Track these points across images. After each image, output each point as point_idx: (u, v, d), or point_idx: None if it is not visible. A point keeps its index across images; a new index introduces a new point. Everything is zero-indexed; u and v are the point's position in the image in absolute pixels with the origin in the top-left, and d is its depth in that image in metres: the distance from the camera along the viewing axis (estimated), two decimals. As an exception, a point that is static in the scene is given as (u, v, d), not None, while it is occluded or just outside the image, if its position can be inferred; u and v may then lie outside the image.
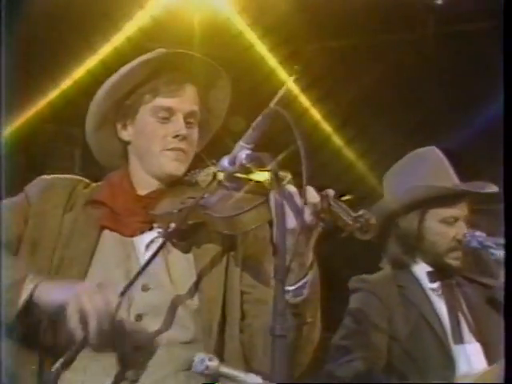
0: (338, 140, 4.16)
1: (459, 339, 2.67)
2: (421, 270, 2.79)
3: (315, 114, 4.01)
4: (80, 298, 1.85)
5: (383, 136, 4.18)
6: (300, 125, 1.83)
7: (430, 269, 2.77)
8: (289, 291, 1.85)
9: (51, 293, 1.91)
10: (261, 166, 1.87)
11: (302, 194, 1.78)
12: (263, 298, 2.01)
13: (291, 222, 1.81)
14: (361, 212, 1.78)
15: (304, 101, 3.92)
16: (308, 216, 1.81)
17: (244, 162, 1.90)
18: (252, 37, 3.91)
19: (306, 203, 1.78)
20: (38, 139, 3.50)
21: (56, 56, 3.48)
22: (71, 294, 1.87)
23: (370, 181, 3.87)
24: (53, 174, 2.24)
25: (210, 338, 2.00)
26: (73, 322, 1.85)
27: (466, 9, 4.12)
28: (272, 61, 3.87)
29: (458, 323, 2.70)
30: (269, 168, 1.82)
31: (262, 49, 3.97)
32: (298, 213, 1.80)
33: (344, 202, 1.83)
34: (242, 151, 1.91)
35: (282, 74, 3.90)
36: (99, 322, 1.83)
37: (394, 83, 4.23)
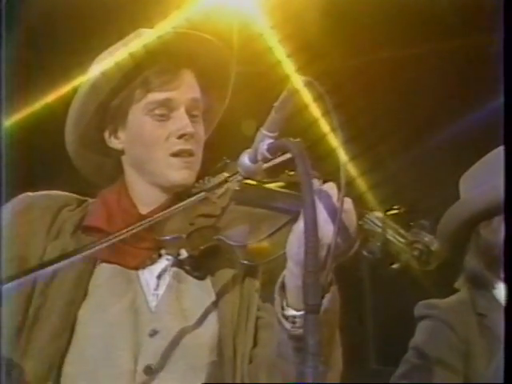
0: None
1: None
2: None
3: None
4: None
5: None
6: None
7: None
8: (294, 318, 1.45)
9: None
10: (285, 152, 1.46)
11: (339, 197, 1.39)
12: (272, 322, 1.59)
13: (325, 230, 1.39)
14: (418, 234, 1.34)
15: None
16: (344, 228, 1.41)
17: (267, 154, 1.49)
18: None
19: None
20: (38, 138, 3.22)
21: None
22: None
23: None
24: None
25: (234, 378, 1.65)
26: None
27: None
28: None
29: None
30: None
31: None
32: (334, 220, 1.39)
33: (393, 217, 1.39)
34: (264, 141, 1.50)
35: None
36: None
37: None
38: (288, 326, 1.46)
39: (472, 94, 3.59)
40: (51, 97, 3.09)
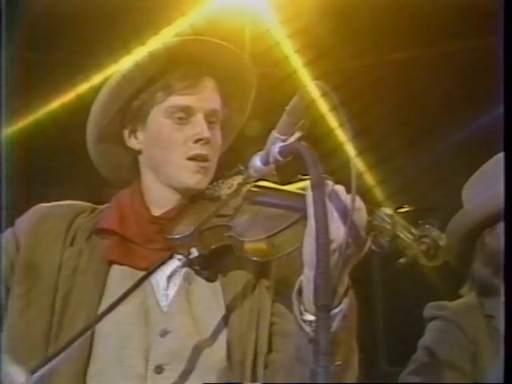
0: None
1: None
2: None
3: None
4: None
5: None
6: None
7: None
8: (312, 322, 1.45)
9: None
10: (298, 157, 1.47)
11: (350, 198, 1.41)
12: (289, 329, 1.61)
13: (336, 232, 1.41)
14: (426, 229, 1.35)
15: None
16: (355, 229, 1.42)
17: (278, 157, 1.51)
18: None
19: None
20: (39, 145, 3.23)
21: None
22: None
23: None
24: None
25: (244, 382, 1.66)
26: None
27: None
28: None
29: None
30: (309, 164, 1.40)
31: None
32: (345, 221, 1.41)
33: (402, 214, 1.40)
34: (276, 144, 1.52)
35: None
36: None
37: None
38: (308, 329, 1.46)
39: (475, 92, 3.60)
40: (53, 100, 3.10)
